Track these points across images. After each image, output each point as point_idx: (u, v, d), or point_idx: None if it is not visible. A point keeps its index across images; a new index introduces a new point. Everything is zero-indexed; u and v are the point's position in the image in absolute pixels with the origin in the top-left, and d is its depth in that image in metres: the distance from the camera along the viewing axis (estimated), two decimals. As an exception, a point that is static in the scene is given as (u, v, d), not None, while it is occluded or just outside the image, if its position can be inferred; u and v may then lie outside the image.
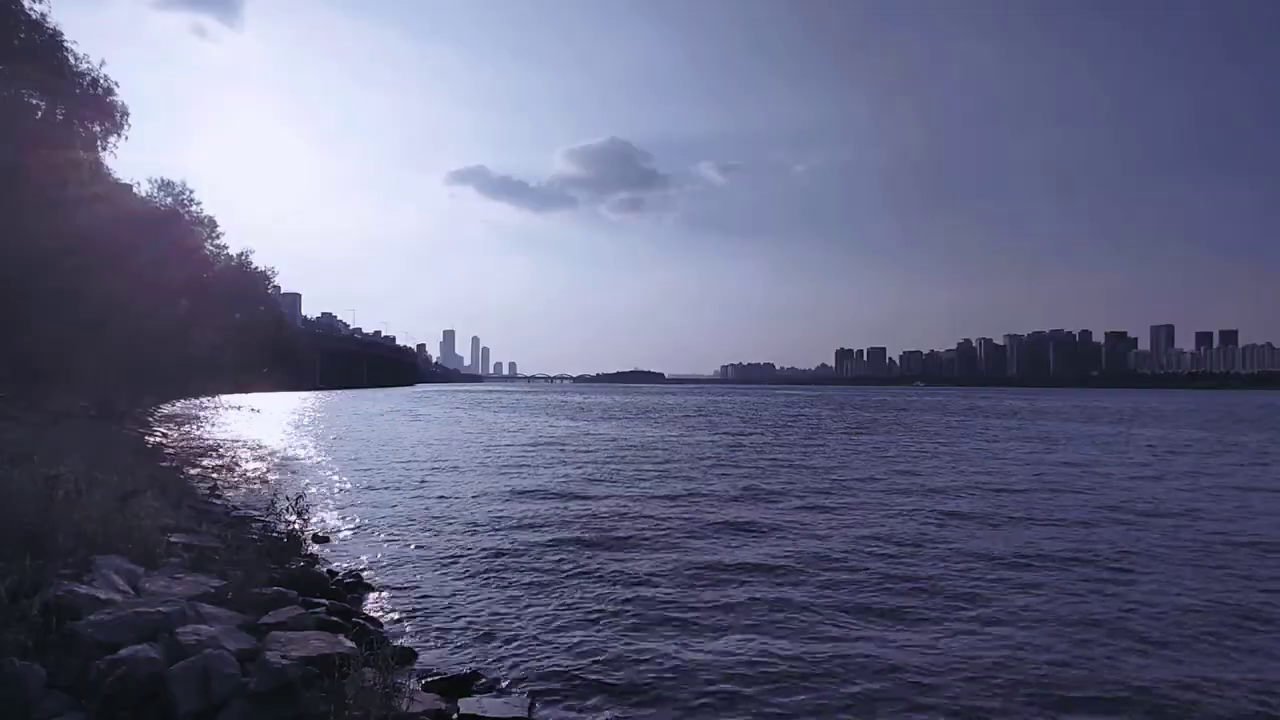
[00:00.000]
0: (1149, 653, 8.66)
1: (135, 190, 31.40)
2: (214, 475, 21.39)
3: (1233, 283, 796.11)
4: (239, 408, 51.55)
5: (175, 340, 31.53)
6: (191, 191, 33.53)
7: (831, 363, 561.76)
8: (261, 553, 10.74)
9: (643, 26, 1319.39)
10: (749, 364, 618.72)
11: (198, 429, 39.29)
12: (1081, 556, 13.18)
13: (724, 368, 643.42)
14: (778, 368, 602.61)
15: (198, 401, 53.87)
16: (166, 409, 47.55)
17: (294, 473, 23.96)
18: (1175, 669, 8.17)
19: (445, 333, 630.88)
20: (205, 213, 33.84)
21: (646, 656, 8.43)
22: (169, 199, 32.30)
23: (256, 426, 43.37)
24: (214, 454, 27.81)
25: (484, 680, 7.65)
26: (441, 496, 19.65)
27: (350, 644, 6.81)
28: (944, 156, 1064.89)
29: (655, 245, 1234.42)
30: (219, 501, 16.63)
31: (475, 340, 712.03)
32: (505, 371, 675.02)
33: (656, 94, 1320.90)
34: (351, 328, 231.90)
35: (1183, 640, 9.04)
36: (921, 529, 15.62)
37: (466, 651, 8.46)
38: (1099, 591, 11.08)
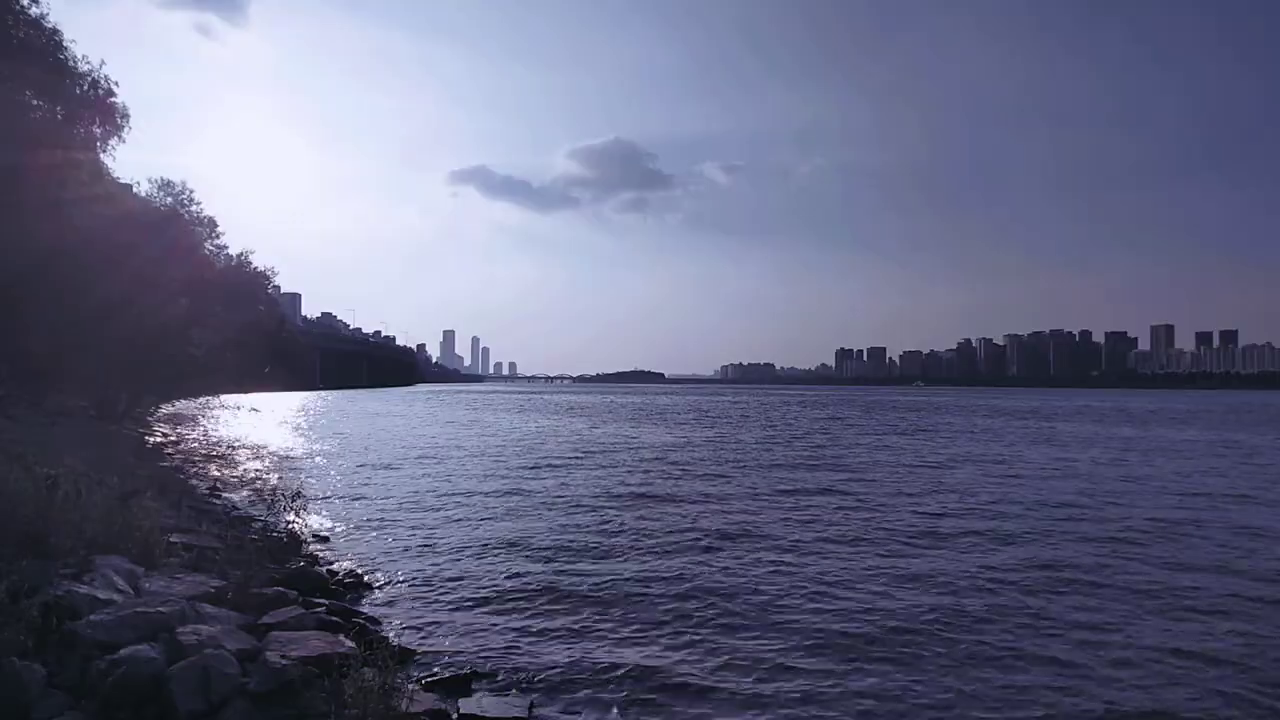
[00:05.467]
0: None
1: (135, 190, 31.27)
2: (214, 475, 21.40)
3: (1233, 283, 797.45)
4: (239, 408, 51.48)
5: (175, 340, 31.40)
6: (191, 191, 33.32)
7: (831, 363, 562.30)
8: (261, 553, 10.73)
9: (646, 27, 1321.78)
10: (749, 364, 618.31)
11: (198, 429, 39.31)
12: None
13: (724, 368, 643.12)
14: (778, 368, 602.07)
15: (198, 401, 53.73)
16: (166, 409, 47.51)
17: (294, 472, 23.96)
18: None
19: (445, 333, 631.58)
20: (205, 213, 33.65)
21: (647, 657, 8.43)
22: (169, 199, 32.13)
23: (256, 426, 43.39)
24: (214, 454, 27.83)
25: (484, 680, 7.65)
26: (441, 497, 19.64)
27: (350, 644, 6.82)
28: (945, 157, 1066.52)
29: (658, 245, 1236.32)
30: (219, 501, 16.64)
31: (475, 340, 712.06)
32: (505, 371, 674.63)
33: (661, 94, 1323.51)
34: (351, 328, 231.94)
35: None
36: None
37: (466, 651, 8.44)
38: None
